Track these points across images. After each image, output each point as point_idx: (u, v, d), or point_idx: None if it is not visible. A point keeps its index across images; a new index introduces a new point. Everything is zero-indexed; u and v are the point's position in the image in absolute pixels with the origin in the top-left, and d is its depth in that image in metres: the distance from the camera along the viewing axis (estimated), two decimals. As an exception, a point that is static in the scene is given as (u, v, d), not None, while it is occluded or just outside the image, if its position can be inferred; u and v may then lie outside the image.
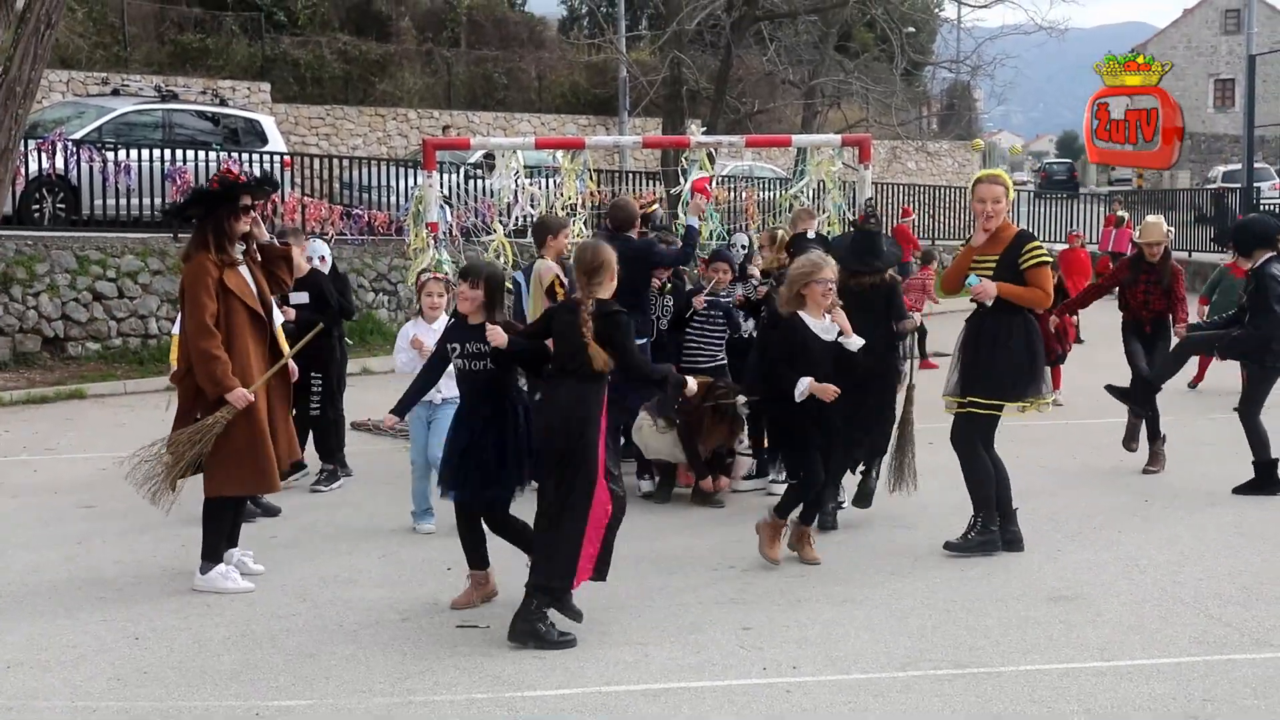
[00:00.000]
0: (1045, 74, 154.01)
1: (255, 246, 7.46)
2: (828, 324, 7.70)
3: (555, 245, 9.75)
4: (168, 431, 7.31)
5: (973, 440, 7.96)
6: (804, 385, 7.47)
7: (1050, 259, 7.96)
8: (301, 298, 9.30)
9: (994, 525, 7.93)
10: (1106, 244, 24.82)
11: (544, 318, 6.92)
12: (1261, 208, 28.92)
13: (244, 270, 7.32)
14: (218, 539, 7.34)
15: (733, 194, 22.15)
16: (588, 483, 6.33)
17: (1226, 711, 5.51)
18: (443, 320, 8.43)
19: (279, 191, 18.70)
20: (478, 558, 6.94)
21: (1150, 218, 11.45)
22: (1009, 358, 7.80)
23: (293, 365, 8.15)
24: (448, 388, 8.06)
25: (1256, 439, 9.58)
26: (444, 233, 11.72)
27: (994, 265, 7.83)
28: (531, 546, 6.60)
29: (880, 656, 6.18)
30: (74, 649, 6.30)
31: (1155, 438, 10.44)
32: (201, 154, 18.37)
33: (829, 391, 7.46)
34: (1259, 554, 7.95)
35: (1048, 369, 8.49)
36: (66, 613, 6.86)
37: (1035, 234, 8.25)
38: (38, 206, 17.45)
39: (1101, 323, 15.12)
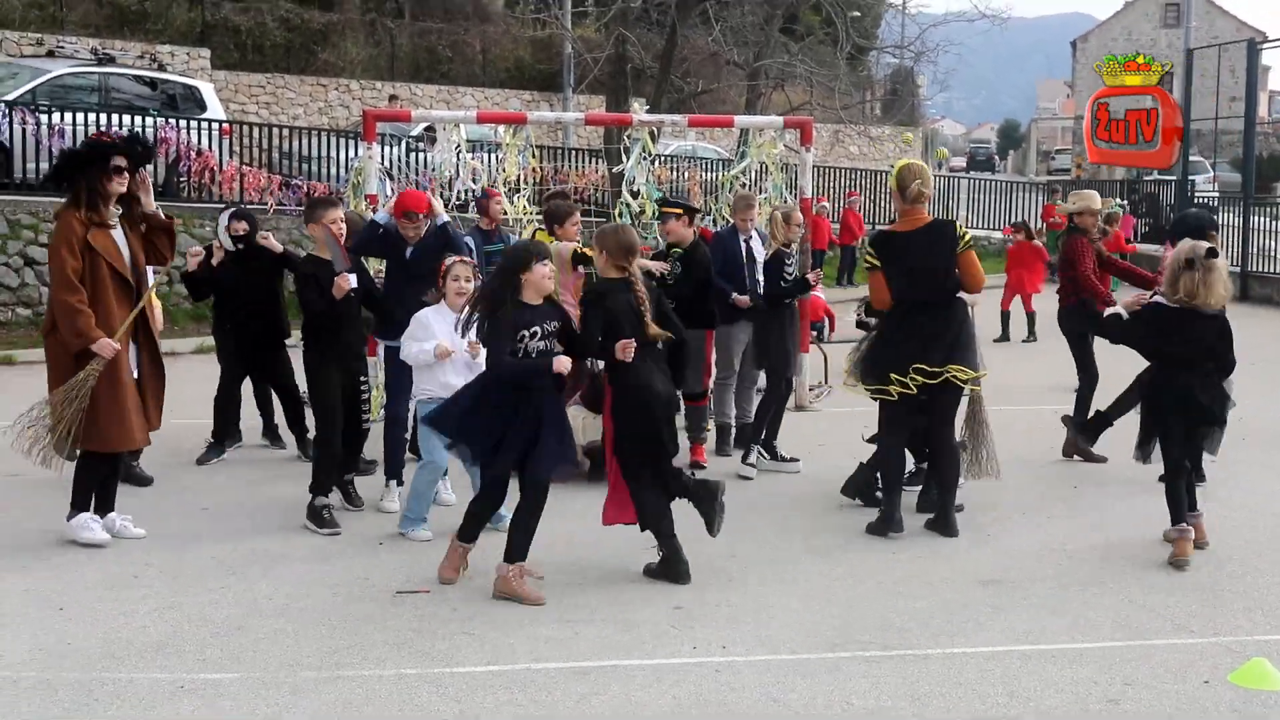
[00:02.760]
0: (988, 62, 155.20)
1: (139, 212, 7.45)
2: None
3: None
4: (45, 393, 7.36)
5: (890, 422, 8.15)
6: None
7: (970, 242, 8.01)
8: (351, 280, 8.06)
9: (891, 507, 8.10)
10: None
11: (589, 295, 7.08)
12: (1197, 201, 29.30)
13: (117, 233, 7.32)
14: (83, 490, 7.48)
15: (675, 174, 22.21)
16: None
17: (1146, 695, 5.60)
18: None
19: (219, 160, 18.54)
20: None
21: (1082, 190, 11.50)
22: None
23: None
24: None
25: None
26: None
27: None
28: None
29: (809, 637, 6.23)
30: (-4, 618, 6.23)
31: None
32: (138, 119, 18.12)
33: None
34: (1183, 541, 8.06)
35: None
36: (-11, 582, 6.78)
37: (954, 219, 8.29)
38: (-29, 169, 17.17)
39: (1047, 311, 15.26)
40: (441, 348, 7.68)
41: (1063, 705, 5.49)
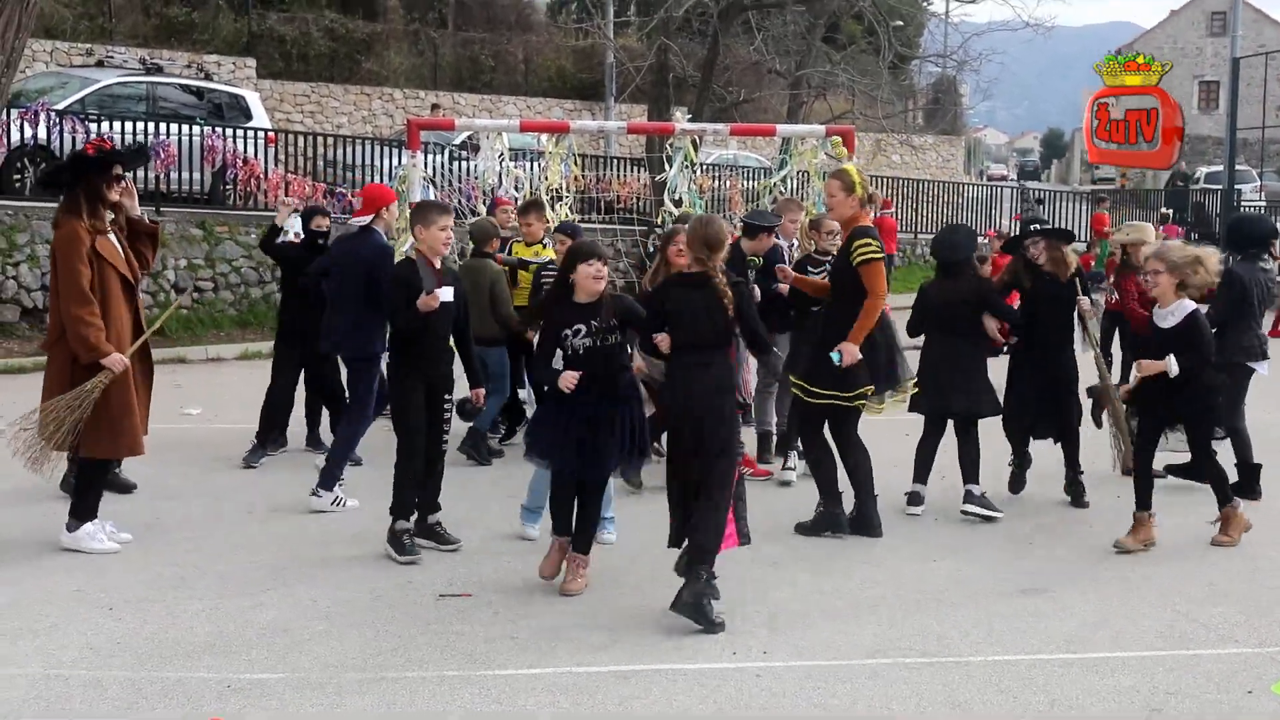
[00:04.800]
0: (1031, 71, 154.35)
1: (123, 219, 7.51)
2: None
3: None
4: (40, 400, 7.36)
5: (847, 431, 8.18)
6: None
7: (880, 255, 7.94)
8: (447, 294, 7.52)
9: (838, 508, 8.20)
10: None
11: (657, 293, 6.98)
12: (1242, 209, 29.07)
13: (112, 238, 7.38)
14: (88, 500, 7.48)
15: (717, 182, 22.23)
16: (734, 451, 6.67)
17: (1189, 705, 5.58)
18: None
19: (264, 168, 18.71)
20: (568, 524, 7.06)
21: (1137, 223, 11.53)
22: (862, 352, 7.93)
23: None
24: None
25: (1239, 441, 9.57)
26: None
27: (835, 260, 8.17)
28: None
29: (849, 644, 6.24)
30: (46, 618, 6.32)
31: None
32: (185, 128, 18.30)
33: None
34: (1226, 552, 8.02)
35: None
36: (39, 580, 6.88)
37: (872, 229, 8.17)
38: (19, 176, 17.36)
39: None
40: None
41: (1105, 714, 5.48)
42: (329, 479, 8.57)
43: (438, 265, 7.63)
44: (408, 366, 7.52)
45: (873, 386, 8.07)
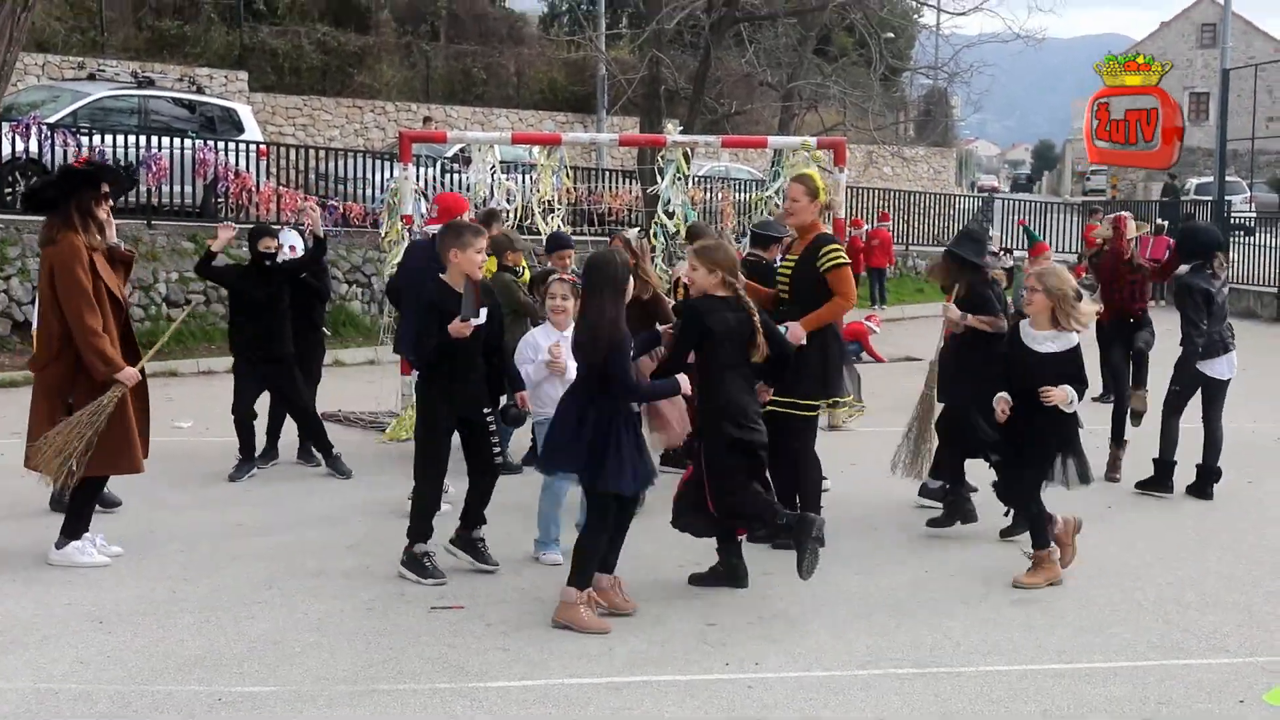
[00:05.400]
0: (1022, 83, 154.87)
1: (103, 245, 7.42)
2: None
3: None
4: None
5: (805, 443, 8.01)
6: None
7: (847, 260, 7.95)
8: (480, 315, 7.26)
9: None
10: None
11: (691, 313, 6.89)
12: (1232, 221, 29.17)
13: (102, 257, 7.32)
14: (81, 518, 7.45)
15: (709, 195, 22.26)
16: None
17: (1181, 715, 5.59)
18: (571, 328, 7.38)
19: (256, 181, 18.71)
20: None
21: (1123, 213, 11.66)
22: (803, 359, 7.78)
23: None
24: None
25: (1167, 439, 9.85)
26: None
27: (793, 265, 8.03)
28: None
29: (842, 655, 6.23)
30: (37, 630, 6.31)
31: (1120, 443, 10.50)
32: (177, 141, 18.30)
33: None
34: (1219, 560, 8.04)
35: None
36: (30, 594, 6.86)
37: (835, 236, 8.17)
38: (10, 189, 17.35)
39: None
40: (554, 351, 7.77)
41: (1096, 724, 5.48)
42: None
43: (477, 285, 7.27)
44: (435, 386, 7.28)
45: (832, 398, 8.04)
